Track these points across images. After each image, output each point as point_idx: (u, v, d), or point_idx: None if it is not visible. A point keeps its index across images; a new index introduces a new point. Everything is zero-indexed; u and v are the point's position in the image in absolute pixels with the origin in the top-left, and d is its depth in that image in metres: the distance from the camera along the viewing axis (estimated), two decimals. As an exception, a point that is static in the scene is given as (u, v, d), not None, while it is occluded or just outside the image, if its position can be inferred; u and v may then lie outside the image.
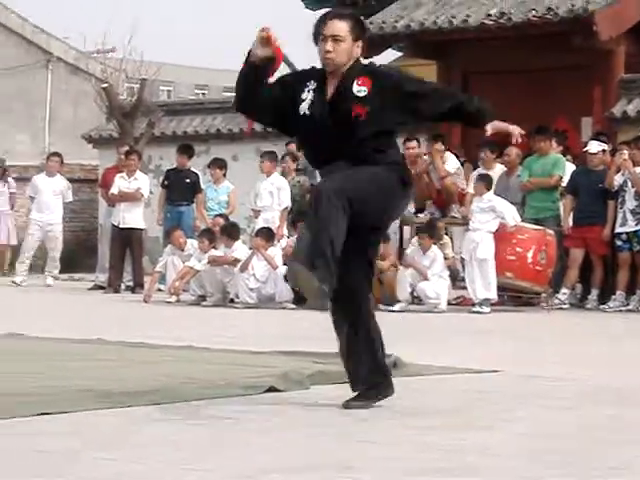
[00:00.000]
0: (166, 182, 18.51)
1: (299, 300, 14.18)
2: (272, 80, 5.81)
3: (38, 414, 5.46)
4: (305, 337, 9.24)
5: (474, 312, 12.96)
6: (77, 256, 21.81)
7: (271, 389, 5.86)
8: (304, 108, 5.50)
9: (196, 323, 12.29)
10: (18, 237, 21.40)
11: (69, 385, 6.67)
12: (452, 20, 17.73)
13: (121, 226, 17.93)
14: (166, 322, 12.38)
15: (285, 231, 15.67)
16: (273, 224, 15.65)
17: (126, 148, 19.48)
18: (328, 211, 5.32)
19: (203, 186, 18.06)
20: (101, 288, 18.17)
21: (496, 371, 7.19)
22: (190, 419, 5.52)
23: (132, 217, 18.02)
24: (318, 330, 10.70)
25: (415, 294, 13.58)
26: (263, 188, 16.55)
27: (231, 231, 14.95)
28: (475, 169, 14.97)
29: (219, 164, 17.67)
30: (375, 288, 14.25)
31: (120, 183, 18.07)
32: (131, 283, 18.12)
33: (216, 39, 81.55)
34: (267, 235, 14.59)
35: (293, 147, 16.99)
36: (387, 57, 23.33)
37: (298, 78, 5.72)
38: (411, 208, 14.91)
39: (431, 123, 6.21)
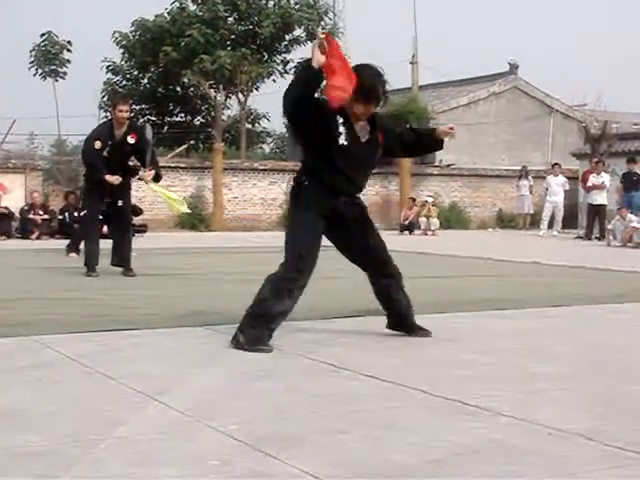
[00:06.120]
0: (622, 180, 18.71)
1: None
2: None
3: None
4: None
5: None
6: (565, 219, 21.58)
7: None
8: (342, 140, 4.53)
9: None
10: (534, 209, 23.02)
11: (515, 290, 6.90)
12: None
13: (593, 203, 18.90)
14: (602, 258, 12.09)
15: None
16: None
17: (595, 159, 20.14)
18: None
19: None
20: (580, 238, 19.01)
21: None
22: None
23: (599, 198, 18.82)
24: None
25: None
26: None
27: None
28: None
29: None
30: None
31: (592, 179, 19.04)
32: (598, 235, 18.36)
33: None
34: None
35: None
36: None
37: (329, 109, 4.46)
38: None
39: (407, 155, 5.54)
